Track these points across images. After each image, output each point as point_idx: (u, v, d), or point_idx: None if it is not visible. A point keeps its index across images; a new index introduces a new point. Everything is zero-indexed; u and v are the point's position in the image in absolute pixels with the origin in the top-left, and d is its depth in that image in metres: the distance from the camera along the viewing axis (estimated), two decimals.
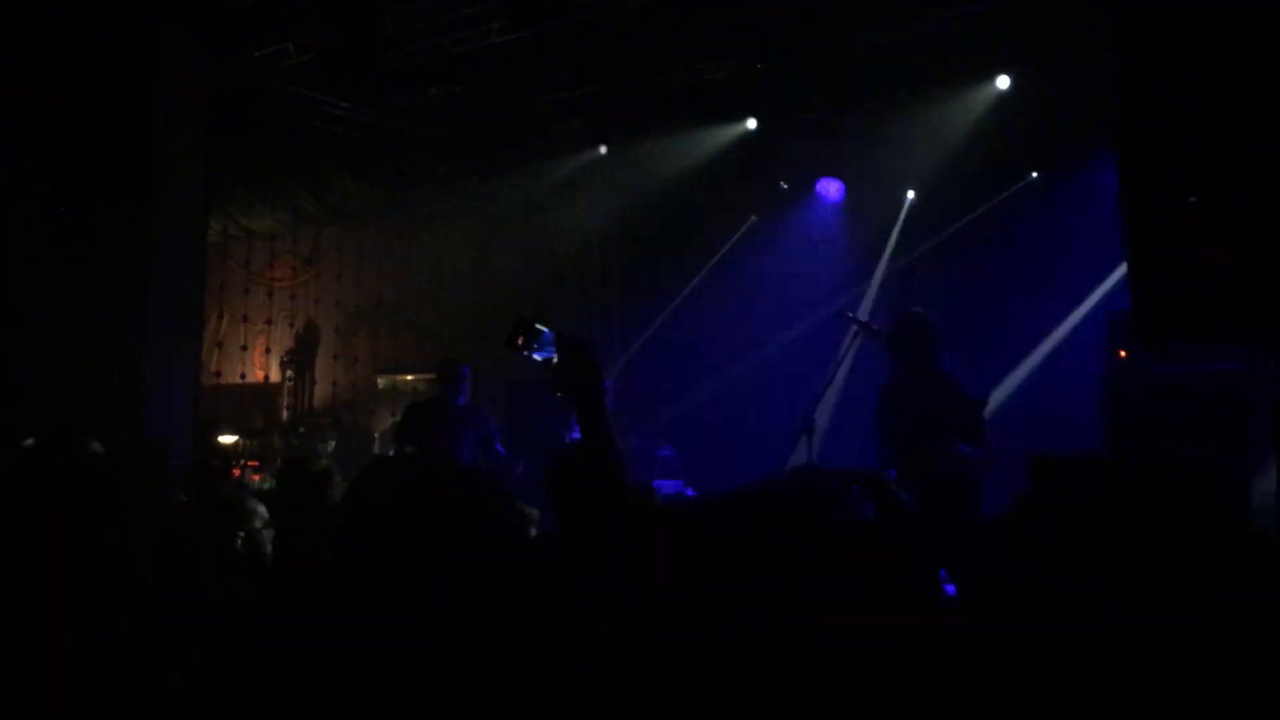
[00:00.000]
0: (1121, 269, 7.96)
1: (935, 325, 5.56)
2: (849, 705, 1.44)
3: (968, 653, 1.65)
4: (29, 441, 4.82)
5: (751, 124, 9.33)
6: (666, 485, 8.74)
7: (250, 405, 12.30)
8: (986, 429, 5.33)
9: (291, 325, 13.01)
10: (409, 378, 12.13)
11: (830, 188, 9.92)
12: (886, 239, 9.99)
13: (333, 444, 10.95)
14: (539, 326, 2.31)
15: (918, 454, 5.23)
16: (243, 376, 12.67)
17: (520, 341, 2.31)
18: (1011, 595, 1.84)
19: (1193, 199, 3.43)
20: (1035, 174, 9.07)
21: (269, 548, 3.00)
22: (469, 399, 7.46)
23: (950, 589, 2.45)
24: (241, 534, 2.95)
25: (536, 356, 2.31)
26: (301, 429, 11.74)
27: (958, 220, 9.42)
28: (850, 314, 6.12)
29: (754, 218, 10.51)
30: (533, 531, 3.37)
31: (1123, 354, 6.56)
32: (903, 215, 9.85)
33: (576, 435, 2.39)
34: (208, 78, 7.62)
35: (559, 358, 2.27)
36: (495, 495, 1.86)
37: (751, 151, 9.73)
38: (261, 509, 3.16)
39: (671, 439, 9.61)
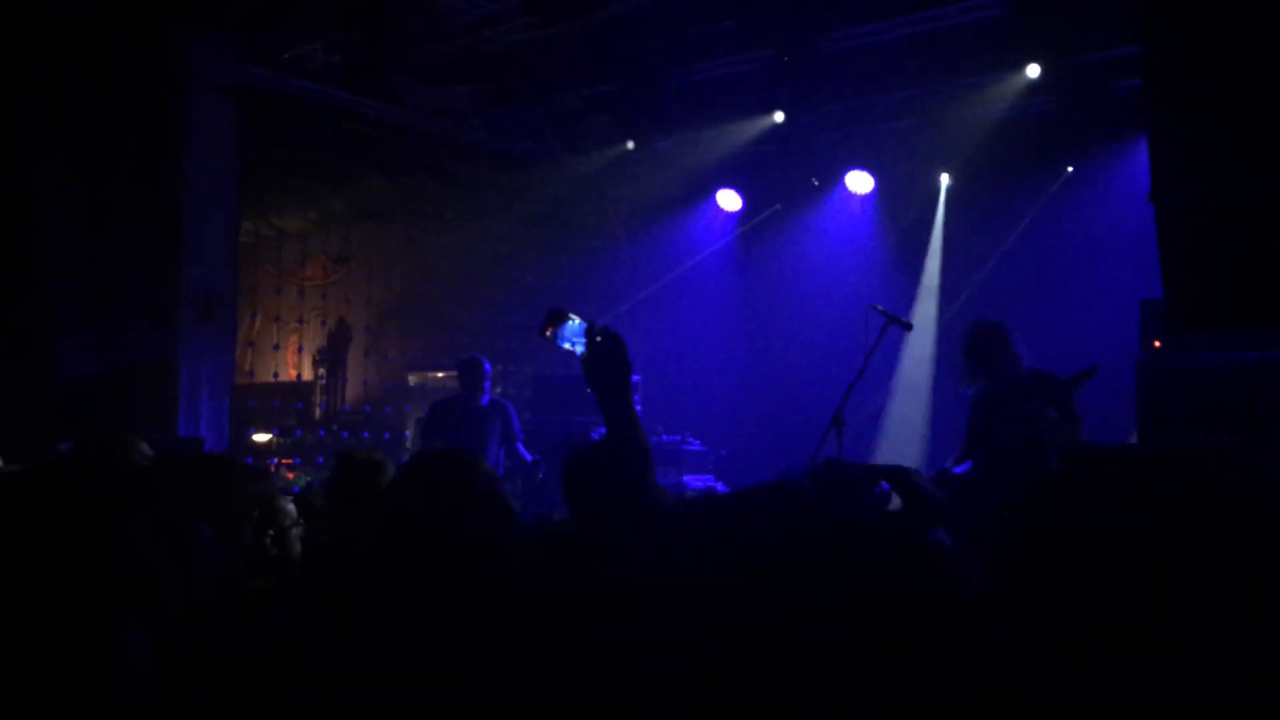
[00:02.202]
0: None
1: (1001, 327, 5.58)
2: (871, 702, 1.43)
3: (996, 649, 1.64)
4: (67, 442, 4.89)
5: (779, 117, 9.29)
6: (695, 481, 8.72)
7: (284, 403, 12.39)
8: (1079, 424, 5.31)
9: (323, 324, 13.09)
10: (439, 374, 12.18)
11: (859, 181, 9.86)
12: (917, 231, 9.91)
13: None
14: (572, 317, 2.32)
15: (1021, 460, 5.18)
16: (275, 375, 12.76)
17: (550, 332, 2.32)
18: (1043, 589, 1.82)
19: (1223, 186, 3.40)
20: (1070, 168, 8.95)
21: (298, 546, 3.02)
22: (492, 396, 7.49)
23: (977, 581, 2.43)
24: (271, 532, 2.98)
25: (567, 346, 2.32)
26: (334, 425, 11.82)
27: (984, 205, 9.35)
28: (879, 306, 6.09)
29: (778, 205, 10.45)
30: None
31: (1157, 344, 6.48)
32: (941, 206, 9.73)
33: (603, 431, 2.40)
34: (237, 80, 7.68)
35: (588, 350, 2.28)
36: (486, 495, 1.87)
37: (779, 145, 9.69)
38: (291, 507, 3.18)
39: (700, 434, 9.60)
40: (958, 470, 5.46)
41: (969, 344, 5.65)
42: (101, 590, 1.69)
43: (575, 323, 2.31)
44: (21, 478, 1.98)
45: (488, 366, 7.44)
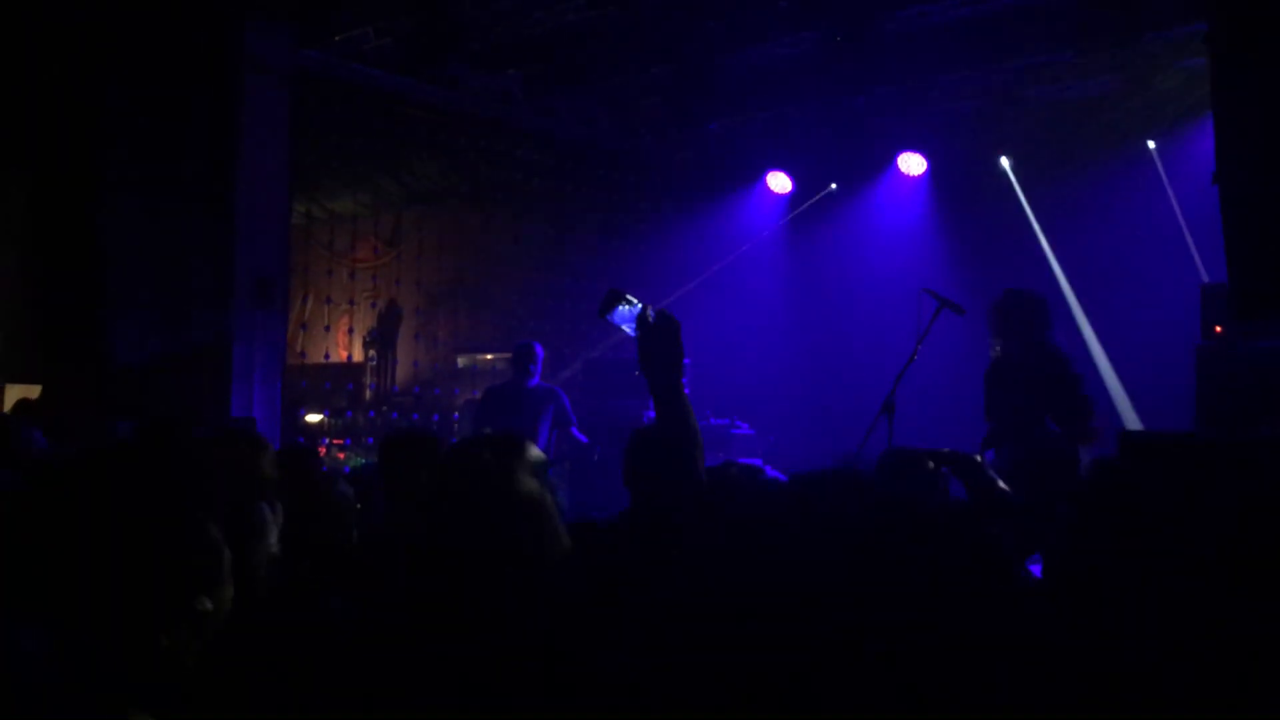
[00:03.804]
0: None
1: (1040, 301, 5.51)
2: (936, 688, 1.41)
3: (1053, 638, 1.61)
4: (124, 424, 4.96)
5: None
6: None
7: (334, 385, 12.52)
8: (1088, 406, 5.24)
9: (374, 305, 13.20)
10: (489, 357, 12.25)
11: (912, 163, 9.72)
12: (972, 214, 9.76)
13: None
14: (630, 299, 2.32)
15: (1018, 431, 5.17)
16: (326, 356, 12.90)
17: (608, 314, 2.32)
18: (1101, 581, 1.79)
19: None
20: (1152, 143, 8.71)
21: (354, 531, 3.03)
22: (542, 380, 7.52)
23: (1036, 571, 2.39)
24: (327, 514, 2.98)
25: (625, 328, 2.32)
26: (384, 407, 11.94)
27: (1041, 188, 9.18)
28: (930, 290, 6.01)
29: (833, 185, 10.35)
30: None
31: (1218, 329, 6.35)
32: (1018, 189, 9.51)
33: (653, 414, 2.39)
34: (292, 65, 7.74)
35: (640, 332, 2.27)
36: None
37: (833, 127, 9.59)
38: (349, 490, 3.20)
39: (749, 418, 9.56)
40: (990, 456, 5.39)
41: (995, 309, 5.57)
42: (166, 573, 1.71)
43: (631, 305, 2.31)
44: (86, 462, 2.00)
45: (540, 351, 7.48)
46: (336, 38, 8.18)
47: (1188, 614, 1.58)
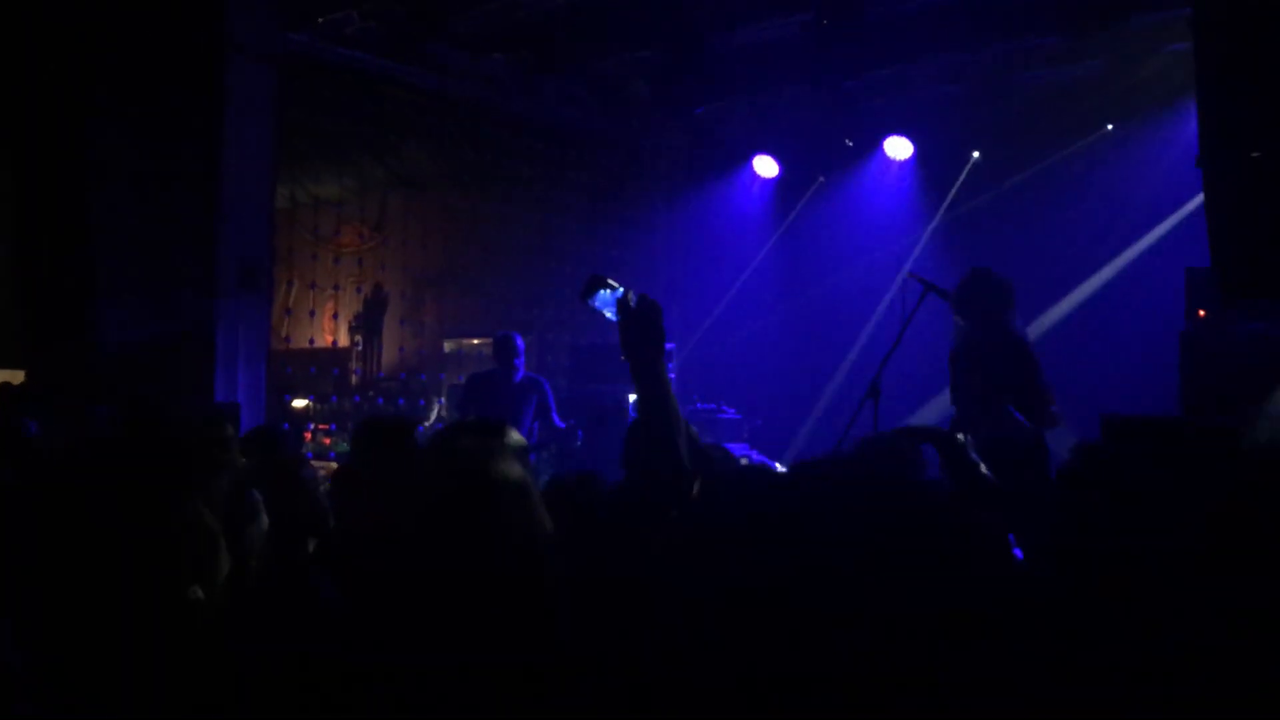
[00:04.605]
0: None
1: (1004, 283, 5.46)
2: (921, 672, 1.41)
3: (1037, 621, 1.61)
4: (104, 408, 4.93)
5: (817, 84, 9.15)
6: (731, 450, 8.71)
7: (320, 370, 12.48)
8: (1048, 391, 5.22)
9: (359, 290, 13.15)
10: (475, 341, 12.22)
11: (898, 147, 9.72)
12: (957, 197, 9.77)
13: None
14: (611, 284, 2.32)
15: (983, 415, 5.16)
16: (311, 341, 12.85)
17: (589, 298, 2.33)
18: (1083, 563, 1.79)
19: (1274, 150, 3.30)
20: (1110, 125, 8.76)
21: (329, 516, 3.02)
22: (527, 371, 7.56)
23: (1018, 553, 2.39)
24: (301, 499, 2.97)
25: (607, 313, 2.32)
26: (370, 392, 11.91)
27: (1025, 172, 9.20)
28: (915, 274, 6.00)
29: (821, 178, 10.37)
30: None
31: (1202, 313, 6.37)
32: (965, 172, 9.58)
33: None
34: (277, 47, 7.69)
35: (621, 316, 2.27)
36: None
37: (819, 111, 9.58)
38: (314, 473, 3.18)
39: (735, 403, 9.57)
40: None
41: (956, 290, 5.53)
42: (167, 556, 1.70)
43: (612, 290, 2.31)
44: (79, 455, 2.00)
45: (520, 343, 7.50)
46: (320, 20, 8.13)
47: (1172, 596, 1.59)
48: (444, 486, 1.90)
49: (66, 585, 1.69)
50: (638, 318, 2.25)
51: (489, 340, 8.48)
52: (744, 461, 6.17)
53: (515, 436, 1.95)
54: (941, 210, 9.84)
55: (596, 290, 2.31)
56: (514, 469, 1.85)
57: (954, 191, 9.71)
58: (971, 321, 5.45)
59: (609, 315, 2.30)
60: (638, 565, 1.93)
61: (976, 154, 9.53)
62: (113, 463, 1.85)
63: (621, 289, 2.31)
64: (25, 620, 1.77)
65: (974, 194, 9.64)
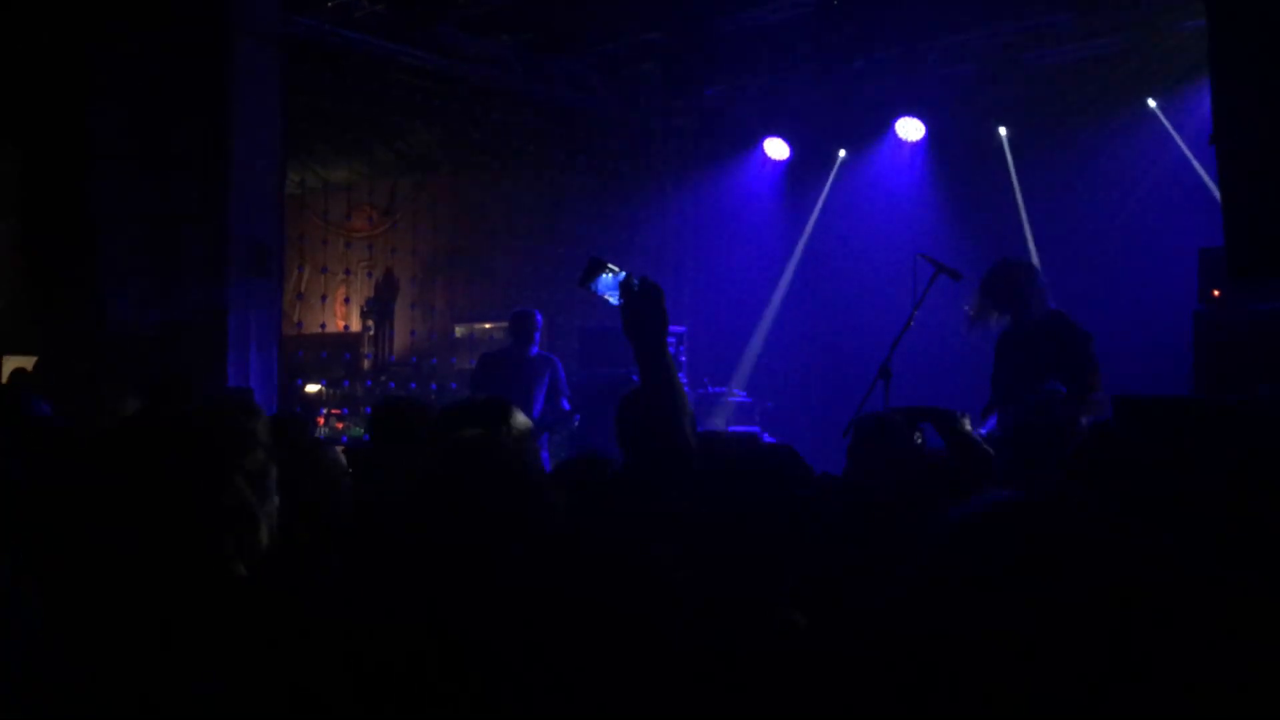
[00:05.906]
0: None
1: (1031, 266, 5.53)
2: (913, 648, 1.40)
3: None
4: (134, 403, 4.94)
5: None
6: (741, 432, 8.70)
7: (331, 355, 12.51)
8: (1093, 369, 5.24)
9: (370, 275, 13.17)
10: (486, 325, 12.23)
11: (910, 128, 9.65)
12: (969, 179, 9.69)
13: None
14: (611, 267, 2.31)
15: (1020, 394, 5.17)
16: (323, 326, 12.87)
17: (589, 283, 2.32)
18: (1094, 540, 1.78)
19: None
20: (1152, 101, 8.57)
21: (349, 498, 3.02)
22: (541, 350, 7.55)
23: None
24: (319, 481, 2.96)
25: (607, 297, 2.32)
26: (382, 377, 11.94)
27: (1038, 151, 9.09)
28: (926, 255, 6.00)
29: (843, 152, 10.30)
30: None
31: (1216, 293, 6.33)
32: (1012, 155, 9.41)
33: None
34: (283, 30, 7.67)
35: (624, 299, 2.27)
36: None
37: (829, 92, 9.52)
38: (341, 458, 3.18)
39: (746, 385, 9.56)
40: (983, 430, 5.38)
41: (995, 278, 5.57)
42: (212, 536, 1.71)
43: (614, 274, 2.31)
44: (114, 435, 2.00)
45: (539, 319, 7.50)
46: (328, 3, 8.11)
47: (1182, 572, 1.58)
48: (442, 473, 1.90)
49: (102, 570, 1.69)
50: (641, 300, 2.24)
51: (500, 324, 8.49)
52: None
53: (520, 418, 1.94)
54: (952, 191, 9.77)
55: (597, 274, 2.31)
56: (515, 450, 1.85)
57: (974, 171, 9.61)
58: (1012, 308, 5.50)
59: (610, 299, 2.30)
60: (645, 543, 1.93)
61: (1004, 130, 9.37)
62: (152, 444, 1.86)
63: (623, 272, 2.30)
64: (57, 603, 1.78)
65: (986, 174, 9.56)
